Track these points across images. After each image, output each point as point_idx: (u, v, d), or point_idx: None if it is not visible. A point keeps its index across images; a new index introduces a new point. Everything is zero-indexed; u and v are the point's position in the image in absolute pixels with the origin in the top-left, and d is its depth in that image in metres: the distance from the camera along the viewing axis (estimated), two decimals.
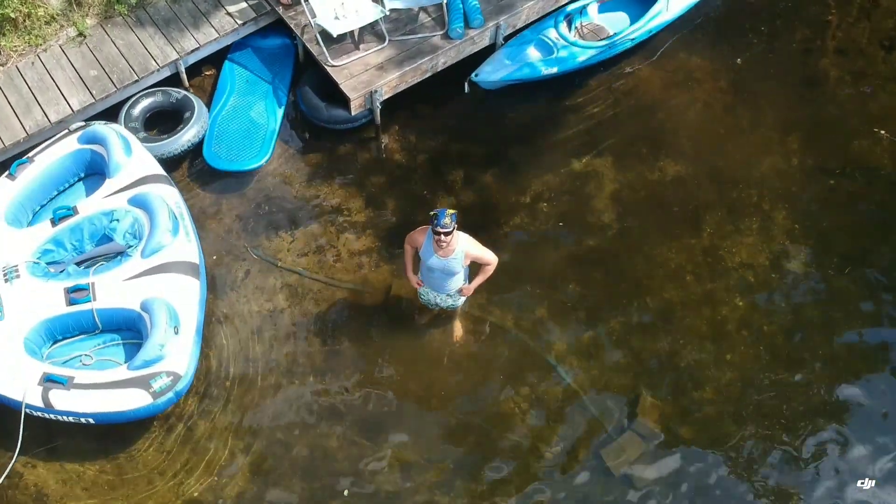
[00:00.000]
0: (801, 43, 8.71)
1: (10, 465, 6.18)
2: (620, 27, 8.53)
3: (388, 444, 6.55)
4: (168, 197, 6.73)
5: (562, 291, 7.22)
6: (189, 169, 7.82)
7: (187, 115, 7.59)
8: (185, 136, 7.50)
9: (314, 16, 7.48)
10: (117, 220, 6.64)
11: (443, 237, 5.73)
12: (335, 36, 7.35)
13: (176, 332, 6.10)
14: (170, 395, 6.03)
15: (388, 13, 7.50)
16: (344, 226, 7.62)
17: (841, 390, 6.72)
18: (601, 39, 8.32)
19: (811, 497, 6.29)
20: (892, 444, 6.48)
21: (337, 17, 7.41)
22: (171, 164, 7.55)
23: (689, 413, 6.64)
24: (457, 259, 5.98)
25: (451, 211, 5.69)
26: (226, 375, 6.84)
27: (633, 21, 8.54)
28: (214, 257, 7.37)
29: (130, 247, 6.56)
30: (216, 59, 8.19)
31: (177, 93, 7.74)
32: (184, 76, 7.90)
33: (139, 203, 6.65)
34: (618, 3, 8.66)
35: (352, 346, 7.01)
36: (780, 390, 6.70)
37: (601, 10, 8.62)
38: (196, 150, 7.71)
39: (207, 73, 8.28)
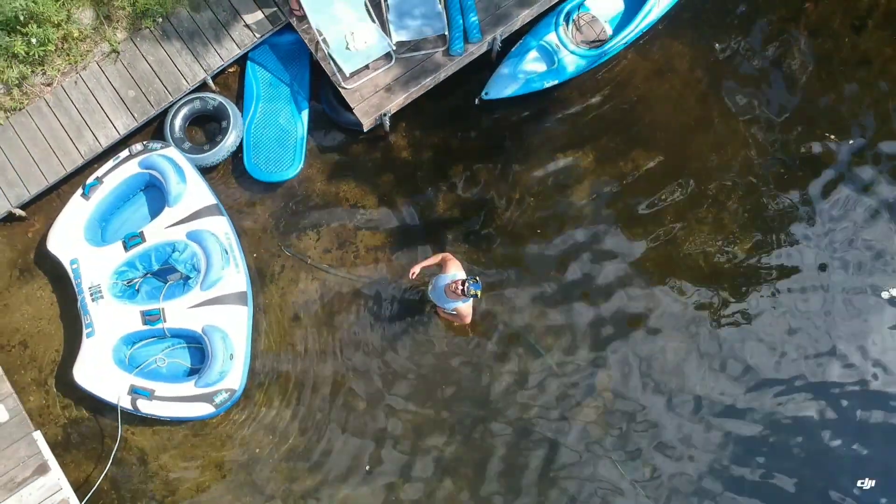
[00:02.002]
0: (779, 23, 9.18)
1: (115, 448, 8.18)
2: (614, 14, 9.00)
3: (404, 408, 8.44)
4: (219, 229, 8.06)
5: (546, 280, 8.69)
6: (227, 171, 8.89)
7: (224, 123, 8.52)
8: (226, 145, 8.50)
9: (327, 46, 8.13)
10: (179, 251, 8.02)
11: (463, 297, 7.10)
12: (348, 75, 8.06)
13: (231, 358, 7.79)
14: (227, 404, 7.87)
15: (394, 47, 8.13)
16: (361, 223, 8.88)
17: None
18: (597, 40, 8.84)
19: None
20: None
21: (348, 48, 8.08)
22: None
23: None
24: (455, 303, 7.40)
25: (481, 290, 7.02)
26: (272, 357, 8.57)
27: (627, 5, 8.99)
28: (255, 255, 8.76)
29: (190, 278, 7.99)
30: (239, 58, 8.89)
31: (212, 100, 8.57)
32: (211, 84, 8.69)
33: (196, 238, 7.99)
34: None
35: (373, 329, 8.63)
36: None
37: None
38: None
39: (231, 70, 9.01)
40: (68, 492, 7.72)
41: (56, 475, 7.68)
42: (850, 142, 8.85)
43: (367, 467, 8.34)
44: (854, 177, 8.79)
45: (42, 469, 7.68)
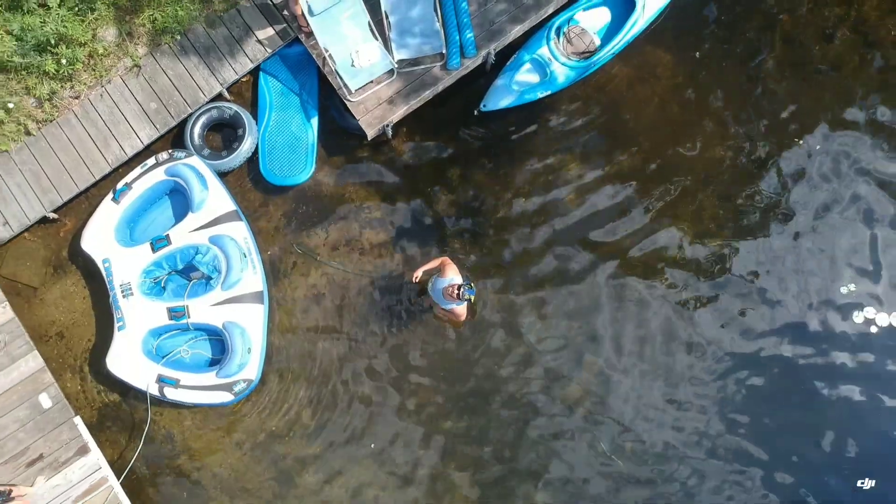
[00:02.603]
0: (755, 32, 9.80)
1: (146, 429, 9.07)
2: (602, 26, 9.63)
3: (404, 389, 9.32)
4: (238, 234, 8.84)
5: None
6: (242, 174, 9.62)
7: (240, 131, 9.24)
8: (243, 151, 9.23)
9: (334, 62, 8.79)
10: (202, 254, 8.81)
11: (458, 299, 7.91)
12: (353, 91, 8.75)
13: (249, 352, 8.64)
14: (245, 392, 8.75)
15: (395, 65, 8.79)
16: (365, 222, 9.64)
17: None
18: (587, 52, 9.47)
19: None
20: None
21: (353, 65, 8.75)
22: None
23: None
24: (451, 304, 8.21)
25: (474, 295, 7.83)
26: (286, 345, 9.40)
27: (614, 17, 9.61)
28: (269, 252, 9.55)
29: (212, 278, 8.80)
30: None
31: (228, 109, 9.26)
32: (226, 94, 9.37)
33: (217, 242, 8.78)
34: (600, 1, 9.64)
35: (377, 320, 9.44)
36: None
37: (583, 7, 9.60)
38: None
39: (244, 79, 9.67)
40: (106, 470, 8.63)
41: (95, 455, 8.59)
42: (817, 146, 9.55)
43: (372, 445, 9.24)
44: (816, 175, 9.52)
45: (83, 450, 8.59)
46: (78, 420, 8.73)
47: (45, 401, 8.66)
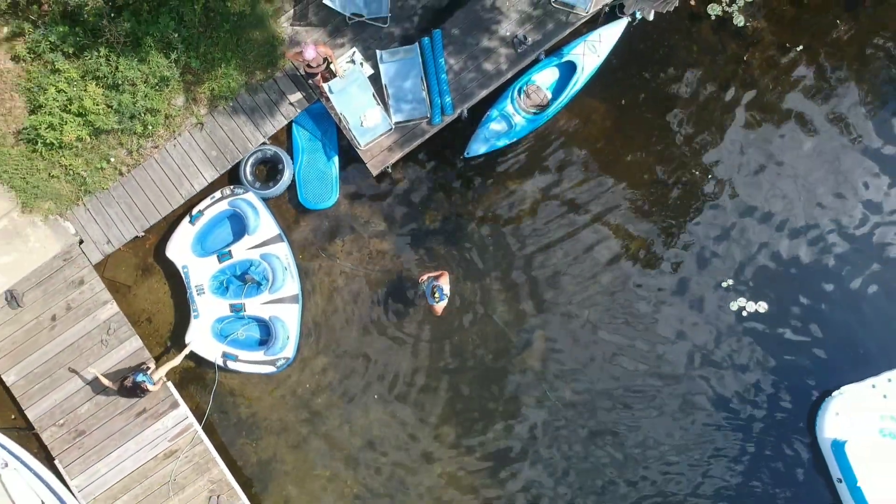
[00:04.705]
0: (670, 81, 12.74)
1: (214, 389, 12.56)
2: (552, 81, 12.59)
3: (406, 358, 12.74)
4: (281, 253, 12.12)
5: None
6: (283, 200, 12.80)
7: (280, 166, 12.38)
8: (283, 182, 12.38)
9: (347, 123, 11.87)
10: (255, 266, 12.12)
11: (435, 299, 11.22)
12: (363, 145, 11.86)
13: (287, 338, 12.05)
14: (284, 366, 12.21)
15: (393, 126, 11.87)
16: (372, 234, 12.85)
17: None
18: (541, 105, 12.44)
19: None
20: None
21: (361, 125, 11.83)
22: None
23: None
24: (432, 302, 11.50)
25: (446, 301, 11.17)
26: (315, 326, 12.75)
27: (561, 76, 12.56)
28: (300, 256, 12.81)
29: (261, 284, 12.12)
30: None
31: (270, 150, 12.39)
32: (267, 141, 12.47)
33: (266, 259, 12.07)
34: (547, 62, 12.51)
35: (384, 307, 12.75)
36: None
37: (536, 71, 12.52)
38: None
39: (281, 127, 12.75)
40: (191, 418, 12.18)
41: (183, 409, 12.14)
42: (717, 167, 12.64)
43: (375, 395, 12.69)
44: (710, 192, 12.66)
45: (174, 405, 12.12)
46: (169, 383, 12.22)
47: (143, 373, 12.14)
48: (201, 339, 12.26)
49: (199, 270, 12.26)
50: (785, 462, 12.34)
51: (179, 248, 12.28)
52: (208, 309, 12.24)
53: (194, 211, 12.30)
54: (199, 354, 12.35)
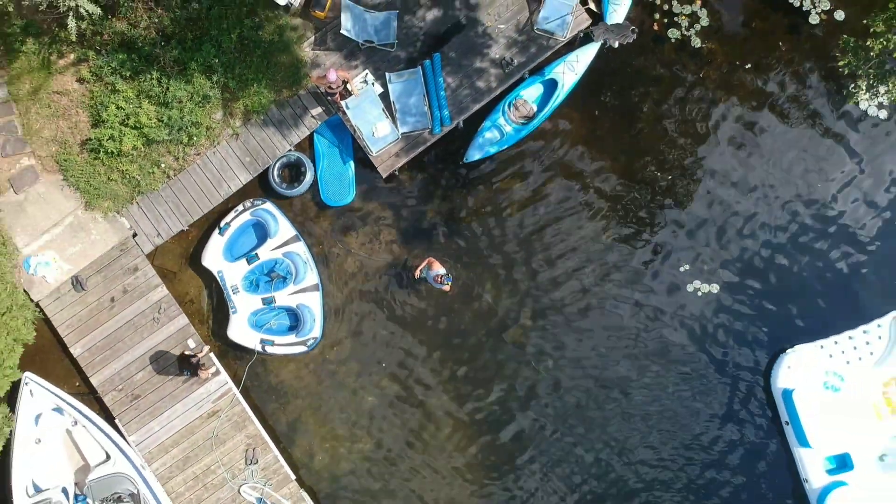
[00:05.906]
0: (638, 95, 14.82)
1: (251, 363, 14.75)
2: (537, 95, 14.69)
3: (411, 332, 14.90)
4: (300, 250, 14.28)
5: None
6: (306, 198, 14.94)
7: (303, 169, 14.51)
8: (305, 182, 14.50)
9: (361, 133, 14.01)
10: (279, 264, 14.29)
11: (443, 283, 13.38)
12: (375, 153, 14.00)
13: (314, 321, 14.24)
14: (313, 345, 14.41)
15: (400, 136, 14.01)
16: (381, 226, 14.99)
17: None
18: (527, 116, 14.52)
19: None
20: None
21: (373, 135, 13.97)
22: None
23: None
24: (439, 286, 13.66)
25: (451, 282, 13.35)
26: (335, 308, 14.93)
27: (545, 90, 14.64)
28: (320, 247, 14.95)
29: (286, 278, 14.28)
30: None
31: (294, 156, 14.53)
32: (292, 148, 14.60)
33: (288, 256, 14.24)
34: (532, 80, 14.60)
35: (392, 289, 14.88)
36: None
37: (523, 87, 14.61)
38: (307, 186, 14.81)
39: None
40: (231, 385, 14.39)
41: (224, 377, 14.36)
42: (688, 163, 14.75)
43: (384, 364, 14.86)
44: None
45: (216, 373, 14.32)
46: (212, 354, 14.41)
47: (191, 343, 14.34)
48: (241, 331, 14.37)
49: (232, 273, 14.39)
50: (746, 408, 14.57)
51: (213, 257, 14.41)
52: (244, 305, 14.39)
53: (222, 223, 14.40)
54: (241, 344, 14.45)
